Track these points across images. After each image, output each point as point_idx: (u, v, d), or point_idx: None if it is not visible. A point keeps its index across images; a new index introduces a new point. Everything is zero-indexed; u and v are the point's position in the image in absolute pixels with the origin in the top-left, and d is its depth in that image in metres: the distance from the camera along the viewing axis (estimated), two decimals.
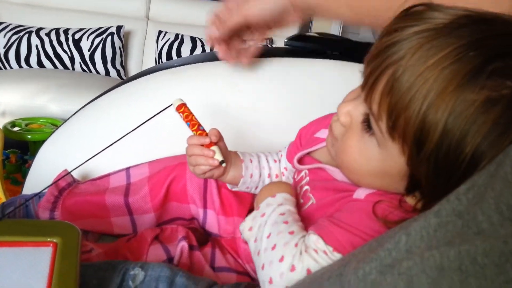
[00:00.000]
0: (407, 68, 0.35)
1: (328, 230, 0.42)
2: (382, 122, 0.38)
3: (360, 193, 0.45)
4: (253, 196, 0.63)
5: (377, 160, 0.41)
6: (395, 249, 0.27)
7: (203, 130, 0.55)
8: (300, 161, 0.56)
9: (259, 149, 0.67)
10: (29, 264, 0.37)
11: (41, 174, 0.78)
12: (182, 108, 0.56)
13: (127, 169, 0.67)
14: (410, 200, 0.42)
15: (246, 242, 0.56)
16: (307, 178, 0.53)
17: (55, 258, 0.38)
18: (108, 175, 0.68)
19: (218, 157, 0.53)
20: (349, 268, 0.30)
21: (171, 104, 0.57)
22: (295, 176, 0.57)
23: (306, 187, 0.52)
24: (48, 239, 0.40)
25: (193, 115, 0.56)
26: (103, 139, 0.77)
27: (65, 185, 0.65)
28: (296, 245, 0.42)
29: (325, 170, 0.51)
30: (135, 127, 0.60)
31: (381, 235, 0.34)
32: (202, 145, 0.54)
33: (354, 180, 0.46)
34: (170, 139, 0.73)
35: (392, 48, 0.37)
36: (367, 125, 0.41)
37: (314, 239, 0.42)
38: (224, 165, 0.53)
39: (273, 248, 0.42)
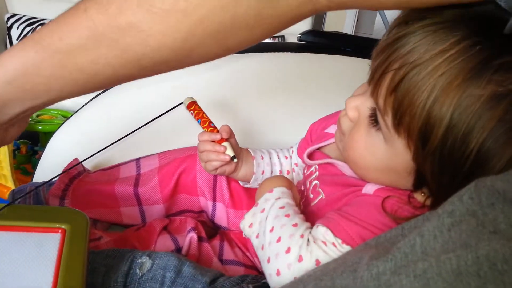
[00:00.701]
0: (413, 62, 0.35)
1: (336, 222, 0.42)
2: (388, 117, 0.38)
3: (369, 188, 0.44)
4: None
5: (383, 156, 0.41)
6: (411, 253, 0.27)
7: (214, 126, 0.55)
8: (311, 156, 0.55)
9: (270, 145, 0.67)
10: (37, 249, 0.37)
11: (51, 164, 0.79)
12: (193, 106, 0.57)
13: (137, 160, 0.67)
14: (419, 197, 0.42)
15: None
16: (317, 173, 0.53)
17: (63, 244, 0.38)
18: (118, 165, 0.68)
19: (230, 152, 0.53)
20: (362, 264, 0.29)
21: (182, 103, 0.57)
22: (305, 171, 0.56)
23: (316, 181, 0.52)
24: (57, 225, 0.40)
25: (203, 112, 0.56)
26: (113, 130, 0.77)
27: (76, 174, 0.65)
28: (301, 236, 0.42)
29: (334, 165, 0.50)
30: (148, 121, 0.59)
31: (391, 231, 0.33)
32: (214, 141, 0.54)
33: (361, 175, 0.46)
34: (180, 131, 0.73)
35: (399, 42, 0.36)
36: (374, 119, 0.41)
37: (322, 231, 0.42)
38: (235, 160, 0.54)
39: (278, 240, 0.42)
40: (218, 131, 0.55)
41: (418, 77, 0.34)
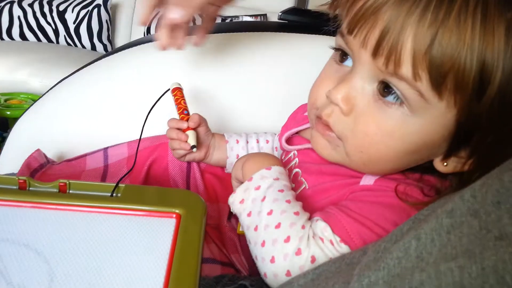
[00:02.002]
0: (432, 16, 0.32)
1: (336, 218, 0.39)
2: (422, 81, 0.34)
3: (368, 179, 0.41)
4: None
5: (414, 132, 0.37)
6: (405, 257, 0.23)
7: (187, 114, 0.56)
8: (290, 141, 0.52)
9: (247, 131, 0.63)
10: (150, 235, 0.35)
11: (15, 153, 0.73)
12: (176, 91, 0.58)
13: (105, 149, 0.62)
14: (440, 167, 0.39)
15: (233, 229, 0.52)
16: (296, 159, 0.49)
17: (178, 230, 0.35)
18: (85, 155, 0.63)
19: (191, 141, 0.53)
20: (354, 273, 0.26)
21: (169, 89, 0.58)
22: (283, 157, 0.53)
23: (297, 169, 0.48)
24: (172, 210, 0.37)
25: (183, 99, 0.57)
26: (82, 116, 0.72)
27: (38, 166, 0.60)
28: (303, 227, 0.39)
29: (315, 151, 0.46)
30: (150, 109, 0.57)
31: (389, 235, 0.30)
32: (179, 129, 0.54)
33: (380, 170, 0.41)
34: (152, 120, 0.68)
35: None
36: (385, 95, 0.37)
37: (321, 227, 0.39)
38: (194, 150, 0.54)
39: (277, 226, 0.39)
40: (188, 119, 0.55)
41: (450, 23, 0.32)
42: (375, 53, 0.35)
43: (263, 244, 0.39)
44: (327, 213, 0.40)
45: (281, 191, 0.42)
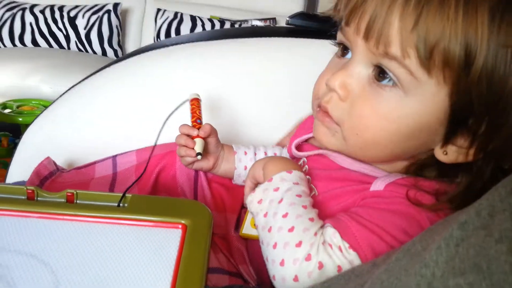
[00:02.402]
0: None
1: (345, 224, 0.39)
2: (410, 59, 0.36)
3: (378, 185, 0.41)
4: None
5: (409, 113, 0.38)
6: (415, 269, 0.23)
7: (199, 123, 0.56)
8: (299, 149, 0.52)
9: (260, 139, 0.63)
10: (156, 245, 0.35)
11: (25, 160, 0.74)
12: (193, 101, 0.59)
13: (114, 157, 0.62)
14: (440, 156, 0.39)
15: (240, 239, 0.52)
16: (306, 166, 0.49)
17: (184, 241, 0.35)
18: (94, 163, 0.63)
19: (197, 148, 0.53)
20: None
21: (188, 99, 0.59)
22: None
23: (307, 177, 0.48)
24: (178, 220, 0.37)
25: (198, 109, 0.58)
26: (92, 123, 0.72)
27: (48, 174, 0.61)
28: (315, 234, 0.39)
29: (326, 157, 0.47)
30: (165, 120, 0.57)
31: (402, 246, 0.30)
32: (188, 136, 0.54)
33: (376, 155, 0.42)
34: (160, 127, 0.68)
35: None
36: (380, 80, 0.38)
37: (331, 233, 0.39)
38: (199, 157, 0.54)
39: (291, 230, 0.39)
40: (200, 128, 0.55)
41: (434, 4, 0.34)
42: (367, 35, 0.37)
43: (274, 246, 0.39)
44: (337, 220, 0.40)
45: (299, 196, 0.42)
